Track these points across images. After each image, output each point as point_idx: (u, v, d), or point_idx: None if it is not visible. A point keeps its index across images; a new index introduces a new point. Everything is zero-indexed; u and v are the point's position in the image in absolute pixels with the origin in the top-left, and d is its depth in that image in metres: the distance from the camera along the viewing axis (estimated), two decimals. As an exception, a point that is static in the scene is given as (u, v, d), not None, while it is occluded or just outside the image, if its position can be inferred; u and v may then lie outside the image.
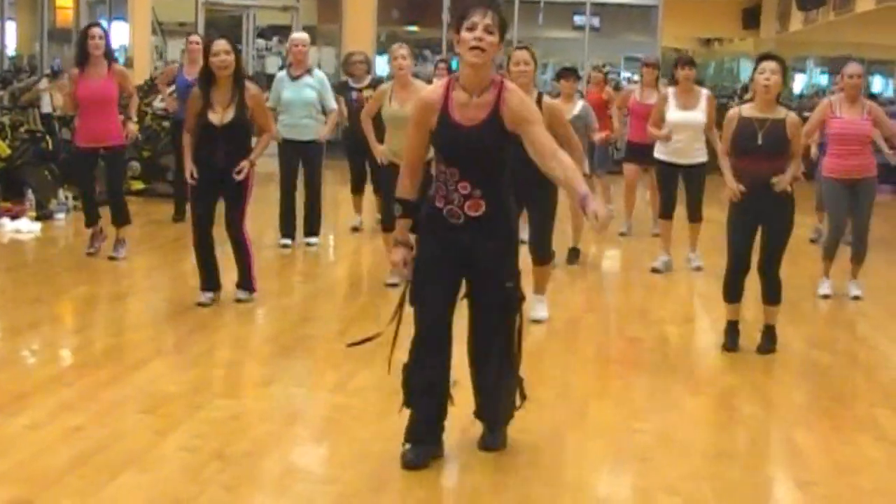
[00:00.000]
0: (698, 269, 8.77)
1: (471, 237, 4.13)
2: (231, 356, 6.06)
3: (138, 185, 11.66)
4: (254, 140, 7.01)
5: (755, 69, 6.05)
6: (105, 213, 8.44)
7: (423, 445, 4.27)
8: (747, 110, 6.09)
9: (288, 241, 9.20)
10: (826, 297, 7.96)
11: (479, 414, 4.48)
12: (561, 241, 8.16)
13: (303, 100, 8.94)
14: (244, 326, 6.70)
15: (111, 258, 8.24)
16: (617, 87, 11.33)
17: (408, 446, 4.27)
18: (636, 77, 20.61)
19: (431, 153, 4.32)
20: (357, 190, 10.10)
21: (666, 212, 8.91)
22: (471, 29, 3.97)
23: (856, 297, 7.97)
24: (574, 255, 9.01)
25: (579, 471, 4.33)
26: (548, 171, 4.03)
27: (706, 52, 24.59)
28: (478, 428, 4.50)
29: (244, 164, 6.76)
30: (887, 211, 14.03)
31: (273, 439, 4.56)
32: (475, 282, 4.21)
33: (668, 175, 8.82)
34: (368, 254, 9.47)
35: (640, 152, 9.81)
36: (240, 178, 6.74)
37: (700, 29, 23.57)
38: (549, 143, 4.08)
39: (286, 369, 5.75)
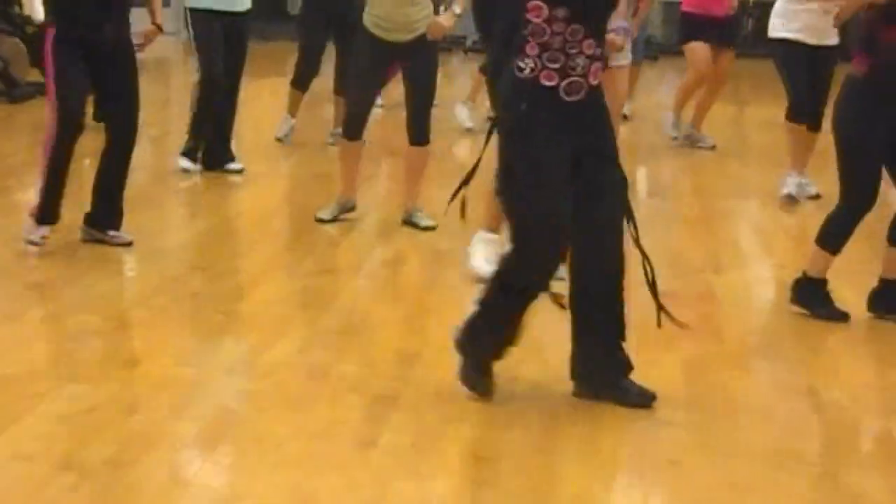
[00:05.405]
0: (816, 196, 6.94)
1: (592, 114, 3.74)
2: (92, 323, 4.61)
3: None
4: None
5: None
6: None
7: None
8: None
9: (190, 166, 7.19)
10: None
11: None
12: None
13: None
14: (104, 281, 5.15)
15: None
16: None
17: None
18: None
19: None
20: (302, 83, 8.14)
21: (797, 112, 6.99)
22: None
23: None
24: None
25: None
26: None
27: None
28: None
29: None
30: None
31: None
32: (590, 166, 3.74)
33: (793, 60, 6.97)
34: (287, 178, 7.64)
35: (710, 25, 8.03)
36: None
37: None
38: None
39: (163, 341, 4.44)
